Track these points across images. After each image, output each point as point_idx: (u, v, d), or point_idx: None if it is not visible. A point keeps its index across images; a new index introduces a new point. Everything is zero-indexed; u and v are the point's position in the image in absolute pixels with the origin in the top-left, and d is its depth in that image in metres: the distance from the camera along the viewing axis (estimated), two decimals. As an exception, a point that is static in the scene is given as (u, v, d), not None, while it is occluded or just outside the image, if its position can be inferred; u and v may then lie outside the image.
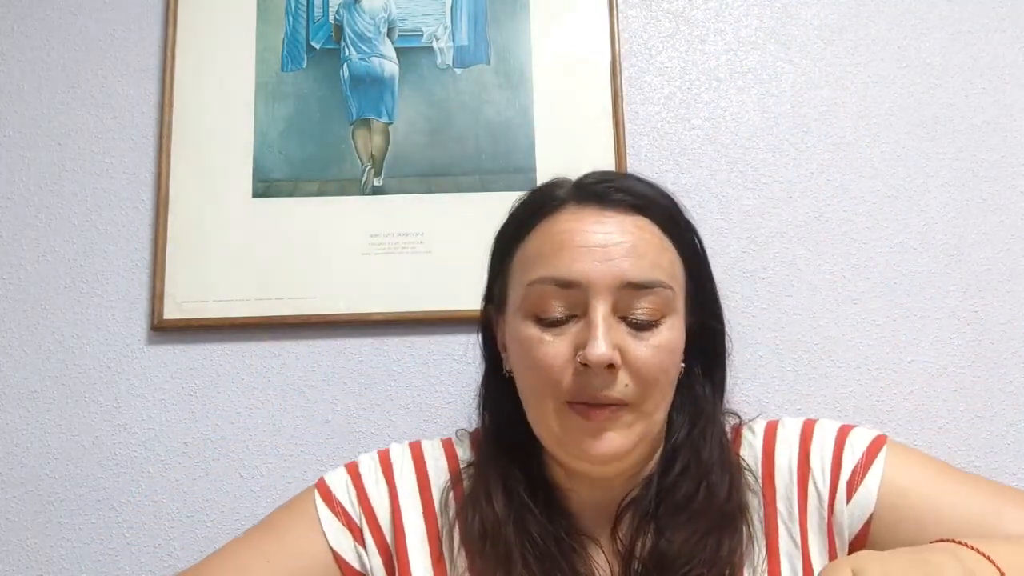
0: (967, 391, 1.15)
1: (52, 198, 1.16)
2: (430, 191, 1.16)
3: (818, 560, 0.66)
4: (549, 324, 0.64)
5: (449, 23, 1.21)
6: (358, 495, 0.71)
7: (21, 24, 1.20)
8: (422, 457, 0.74)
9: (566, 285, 0.63)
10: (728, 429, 0.74)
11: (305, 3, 1.21)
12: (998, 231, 1.19)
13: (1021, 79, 1.23)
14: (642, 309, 0.63)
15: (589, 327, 0.62)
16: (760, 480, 0.70)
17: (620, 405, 0.63)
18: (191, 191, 1.15)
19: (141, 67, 1.19)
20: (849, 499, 0.67)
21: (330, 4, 1.21)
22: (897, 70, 1.23)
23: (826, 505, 0.68)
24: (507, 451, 0.69)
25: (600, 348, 0.60)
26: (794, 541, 0.68)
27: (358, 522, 0.70)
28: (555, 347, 0.63)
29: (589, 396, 0.62)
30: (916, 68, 1.23)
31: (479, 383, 0.77)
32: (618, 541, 0.67)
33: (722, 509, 0.65)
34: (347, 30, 1.20)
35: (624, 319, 0.63)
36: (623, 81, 1.20)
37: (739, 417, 0.76)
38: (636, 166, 1.18)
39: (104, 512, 1.09)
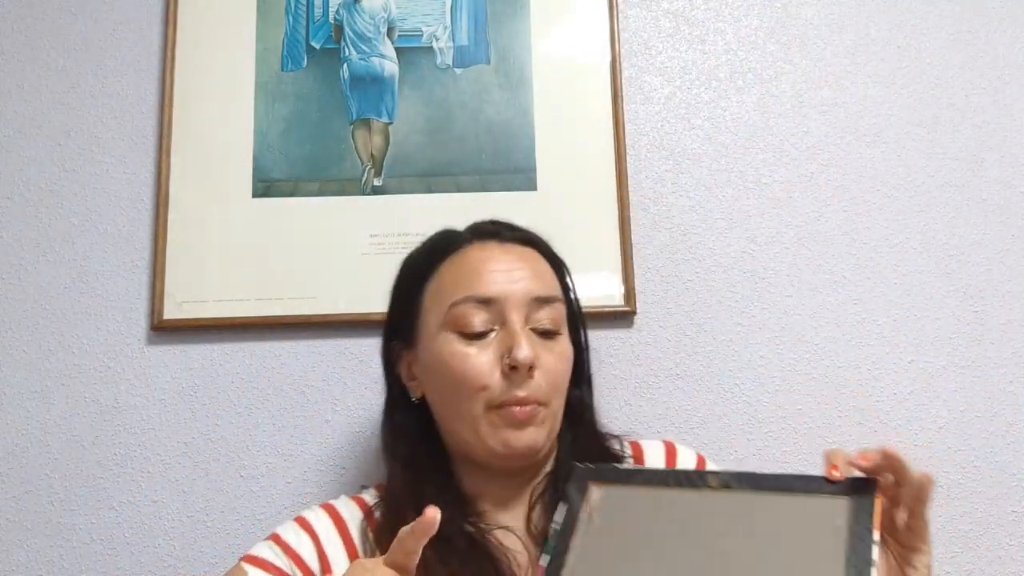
0: (967, 391, 1.15)
1: (52, 198, 1.16)
2: (430, 191, 1.16)
3: None
4: (472, 337, 0.74)
5: (449, 23, 1.21)
6: (283, 549, 0.76)
7: (21, 24, 1.20)
8: (334, 508, 0.81)
9: (486, 302, 0.74)
10: (627, 443, 0.84)
11: (305, 3, 1.21)
12: (998, 231, 1.19)
13: (1021, 79, 1.23)
14: (547, 320, 0.76)
15: (511, 336, 0.73)
16: None
17: (537, 403, 0.74)
18: (191, 191, 1.15)
19: (141, 67, 1.19)
20: None
21: (330, 4, 1.21)
22: (897, 70, 1.23)
23: None
24: (419, 472, 0.77)
25: (525, 351, 0.72)
26: None
27: (288, 570, 0.74)
28: (480, 357, 0.74)
29: (513, 397, 0.73)
30: (916, 68, 1.23)
31: (382, 421, 0.84)
32: (532, 528, 0.76)
33: None
34: (347, 30, 1.20)
35: (534, 329, 0.75)
36: (623, 81, 1.20)
37: (619, 439, 0.85)
38: (636, 166, 1.19)
39: (104, 512, 1.09)
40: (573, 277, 0.86)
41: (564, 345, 0.77)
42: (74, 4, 1.21)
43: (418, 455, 0.79)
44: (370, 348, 1.13)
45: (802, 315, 1.16)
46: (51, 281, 1.14)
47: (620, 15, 1.22)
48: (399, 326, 0.83)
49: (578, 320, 0.84)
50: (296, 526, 0.79)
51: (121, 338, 1.13)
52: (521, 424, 0.73)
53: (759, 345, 1.15)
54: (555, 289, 0.78)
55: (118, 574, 1.07)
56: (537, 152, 1.17)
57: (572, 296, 0.83)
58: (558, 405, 0.77)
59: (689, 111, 1.21)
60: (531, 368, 0.73)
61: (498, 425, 0.73)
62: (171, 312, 1.11)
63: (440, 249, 0.80)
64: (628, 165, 1.18)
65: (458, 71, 1.19)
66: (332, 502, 0.82)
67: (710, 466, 0.85)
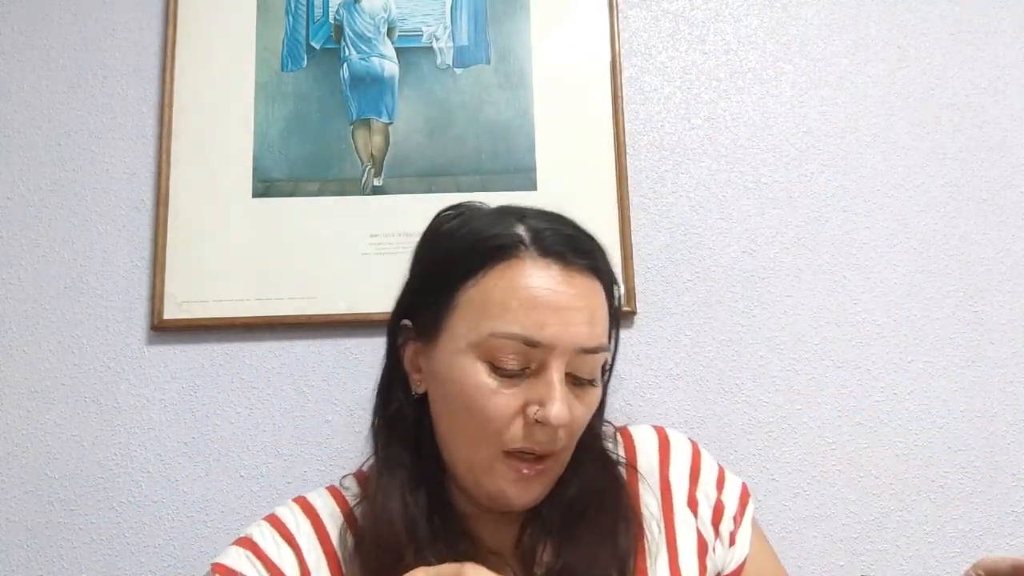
0: (967, 391, 1.15)
1: (52, 198, 1.16)
2: (430, 191, 1.16)
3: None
4: (504, 375, 0.65)
5: (449, 23, 1.21)
6: (264, 565, 0.69)
7: (21, 24, 1.20)
8: (313, 509, 0.74)
9: (533, 345, 0.64)
10: (614, 432, 0.78)
11: (305, 3, 1.21)
12: (998, 231, 1.19)
13: (1021, 79, 1.23)
14: (586, 370, 0.67)
15: (547, 388, 0.64)
16: (658, 487, 0.75)
17: (551, 457, 0.66)
18: (191, 191, 1.15)
19: (141, 67, 1.19)
20: (732, 543, 0.75)
21: (330, 4, 1.21)
22: (897, 70, 1.23)
23: (711, 540, 0.74)
24: (407, 478, 0.70)
25: (563, 411, 0.63)
26: (690, 539, 0.74)
27: None
28: (506, 399, 0.65)
29: (529, 449, 0.65)
30: (916, 68, 1.23)
31: (375, 404, 0.75)
32: (521, 555, 0.70)
33: (613, 514, 0.70)
34: (347, 30, 1.20)
35: (569, 375, 0.66)
36: (623, 81, 1.20)
37: (614, 432, 0.79)
38: (636, 166, 1.19)
39: (104, 512, 1.09)
40: None
41: (595, 394, 0.69)
42: (74, 4, 1.21)
43: (410, 460, 0.71)
44: (370, 348, 1.13)
45: (802, 315, 1.16)
46: (51, 281, 1.14)
47: (620, 15, 1.22)
48: (417, 310, 0.72)
49: (611, 358, 0.74)
50: (274, 534, 0.71)
51: (121, 338, 1.13)
52: (527, 481, 0.66)
53: (759, 345, 1.15)
54: (604, 336, 0.68)
55: (118, 574, 1.07)
56: (537, 152, 1.17)
57: (615, 327, 0.74)
58: (570, 452, 0.69)
59: (689, 111, 1.21)
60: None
61: (501, 474, 0.66)
62: (171, 312, 1.11)
63: (492, 249, 0.67)
64: (628, 165, 1.18)
65: (458, 71, 1.19)
66: (309, 498, 0.75)
67: (704, 455, 0.79)
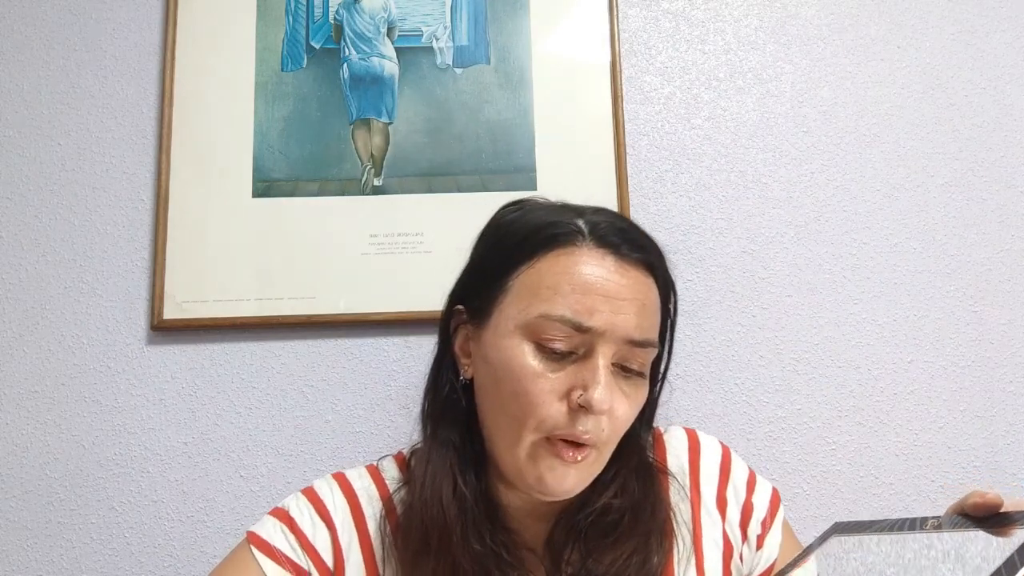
0: (967, 391, 1.15)
1: (52, 198, 1.16)
2: (430, 191, 1.16)
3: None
4: (550, 356, 0.65)
5: (449, 23, 1.21)
6: (299, 541, 0.71)
7: (21, 24, 1.20)
8: (351, 489, 0.74)
9: (582, 330, 0.64)
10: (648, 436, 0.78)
11: (305, 3, 1.21)
12: (998, 231, 1.19)
13: (1021, 79, 1.23)
14: (635, 361, 0.67)
15: (592, 372, 0.64)
16: (687, 489, 0.76)
17: (592, 447, 0.66)
18: (191, 191, 1.15)
19: (141, 67, 1.19)
20: (759, 547, 0.75)
21: (330, 4, 1.21)
22: (897, 70, 1.23)
23: (737, 543, 0.74)
24: (456, 461, 0.70)
25: (606, 396, 0.63)
26: (716, 543, 0.74)
27: (305, 566, 0.70)
28: (550, 383, 0.65)
29: (571, 434, 0.65)
30: (916, 68, 1.23)
31: (427, 386, 0.76)
32: (551, 553, 0.70)
33: (648, 528, 0.70)
34: (347, 30, 1.20)
35: (616, 365, 0.66)
36: (623, 81, 1.20)
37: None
38: (636, 166, 1.19)
39: (104, 512, 1.09)
40: None
41: (642, 390, 0.69)
42: (74, 4, 1.21)
43: (460, 444, 0.71)
44: (370, 348, 1.13)
45: (802, 315, 1.16)
46: (51, 281, 1.14)
47: (620, 15, 1.22)
48: (471, 295, 0.73)
49: (664, 358, 0.75)
50: (311, 511, 0.72)
51: (121, 338, 1.13)
52: (566, 465, 0.66)
53: (759, 345, 1.15)
54: (654, 331, 0.69)
55: (118, 574, 1.07)
56: (537, 152, 1.17)
57: (670, 326, 0.74)
58: (611, 449, 0.69)
59: (689, 111, 1.21)
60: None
61: (542, 457, 0.66)
62: (171, 312, 1.11)
63: (548, 236, 0.68)
64: (628, 165, 1.18)
65: (458, 71, 1.19)
66: (348, 477, 0.75)
67: (734, 457, 0.79)
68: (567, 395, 0.65)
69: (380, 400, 1.12)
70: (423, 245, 1.14)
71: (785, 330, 1.16)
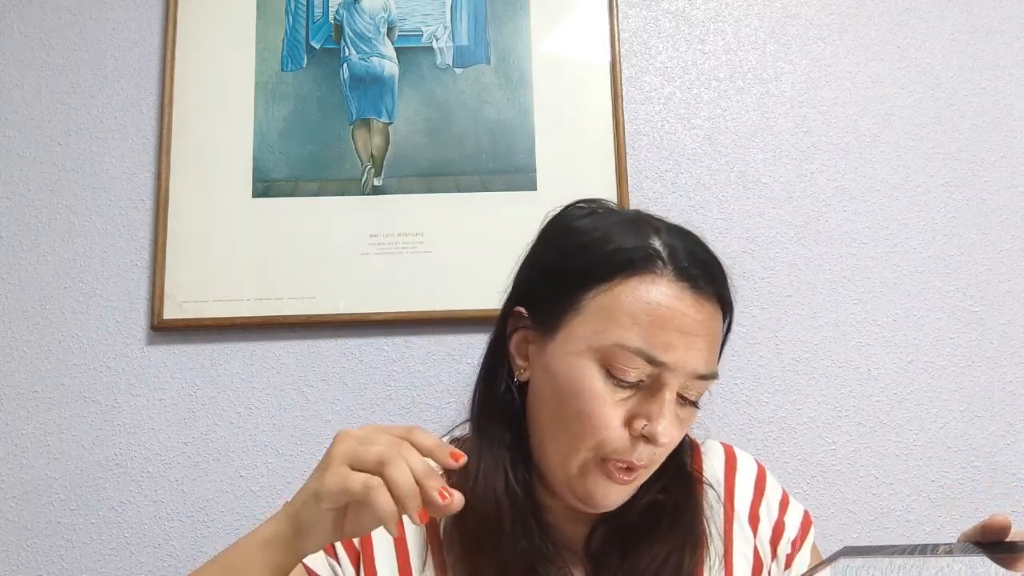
0: (967, 391, 1.15)
1: (52, 198, 1.16)
2: (430, 191, 1.16)
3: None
4: (618, 384, 0.66)
5: (449, 23, 1.21)
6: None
7: (21, 24, 1.20)
8: None
9: (655, 364, 0.65)
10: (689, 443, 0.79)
11: (305, 3, 1.21)
12: (998, 231, 1.19)
13: (1021, 79, 1.23)
14: (695, 392, 0.68)
15: (658, 406, 0.65)
16: (722, 498, 0.76)
17: (642, 468, 0.67)
18: (191, 191, 1.15)
19: (141, 67, 1.19)
20: (788, 566, 0.75)
21: (330, 4, 1.21)
22: (897, 70, 1.23)
23: (767, 561, 0.74)
24: (508, 457, 0.71)
25: (670, 431, 0.65)
26: (747, 558, 0.74)
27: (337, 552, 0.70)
28: (615, 410, 0.65)
29: (625, 460, 0.66)
30: (916, 68, 1.23)
31: (478, 383, 0.75)
32: (590, 554, 0.71)
33: (685, 531, 0.71)
34: (347, 30, 1.20)
35: (677, 395, 0.67)
36: (623, 81, 1.20)
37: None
38: (636, 166, 1.19)
39: (104, 512, 1.09)
40: None
41: (695, 415, 0.70)
42: (74, 4, 1.21)
43: (511, 442, 0.71)
44: (370, 348, 1.13)
45: (802, 315, 1.16)
46: (51, 281, 1.14)
47: (620, 15, 1.22)
48: (537, 302, 0.71)
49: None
50: None
51: (121, 338, 1.13)
52: (615, 484, 0.67)
53: (759, 345, 1.15)
54: (716, 363, 0.69)
55: (118, 574, 1.07)
56: (537, 152, 1.17)
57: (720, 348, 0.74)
58: (659, 464, 0.70)
59: (689, 111, 1.21)
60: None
61: (592, 473, 0.67)
62: (171, 312, 1.11)
63: (626, 260, 0.67)
64: (628, 165, 1.18)
65: (458, 71, 1.19)
66: None
67: (769, 476, 0.80)
68: (630, 423, 0.65)
69: (380, 400, 1.12)
70: (423, 245, 1.14)
71: (785, 330, 1.16)
